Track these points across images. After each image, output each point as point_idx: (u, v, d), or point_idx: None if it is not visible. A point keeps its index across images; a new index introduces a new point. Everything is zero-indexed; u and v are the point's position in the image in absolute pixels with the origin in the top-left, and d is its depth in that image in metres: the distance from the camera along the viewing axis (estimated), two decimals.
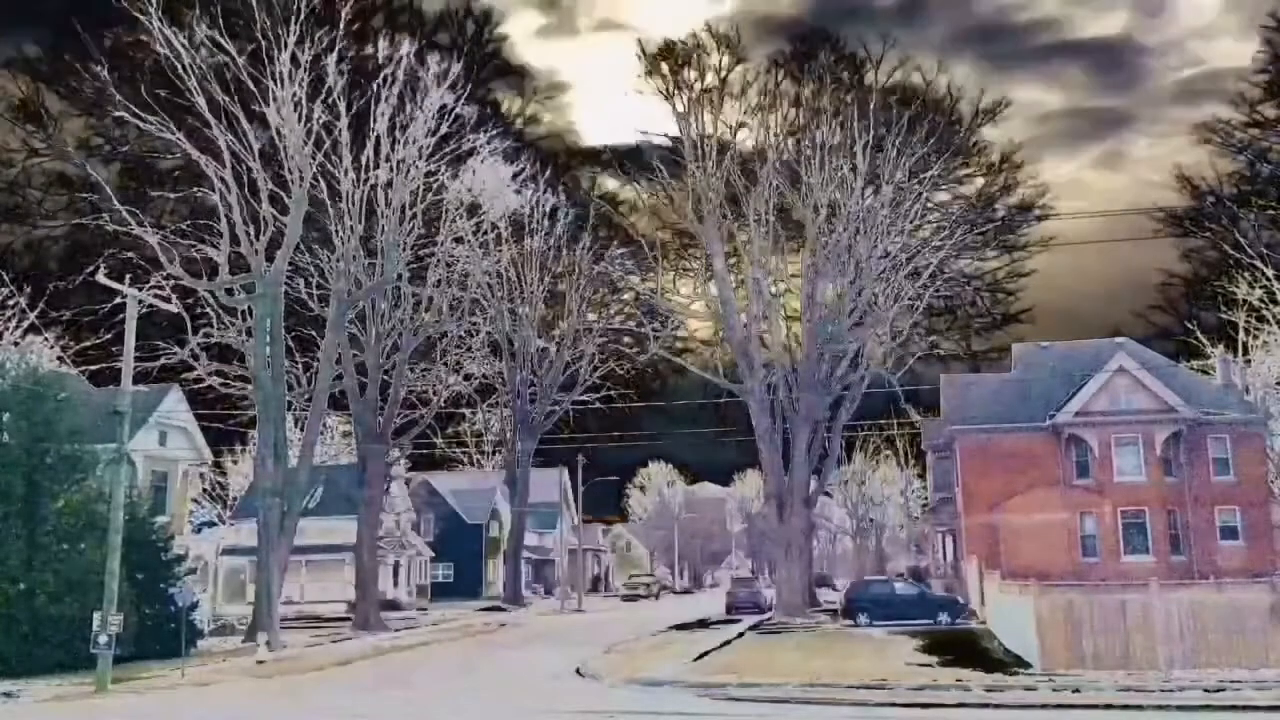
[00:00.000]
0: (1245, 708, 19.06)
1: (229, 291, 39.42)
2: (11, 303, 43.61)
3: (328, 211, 43.39)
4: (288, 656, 32.80)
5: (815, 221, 46.21)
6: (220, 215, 38.33)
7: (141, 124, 37.83)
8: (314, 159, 39.75)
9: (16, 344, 41.20)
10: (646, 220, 52.57)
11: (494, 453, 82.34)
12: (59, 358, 43.14)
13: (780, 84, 50.15)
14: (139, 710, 22.76)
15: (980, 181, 52.20)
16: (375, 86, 42.32)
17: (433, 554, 69.29)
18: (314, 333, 46.65)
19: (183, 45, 37.50)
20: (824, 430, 49.39)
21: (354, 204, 42.06)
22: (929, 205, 47.24)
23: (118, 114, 38.44)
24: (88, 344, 45.87)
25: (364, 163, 41.99)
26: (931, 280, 47.02)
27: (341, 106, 40.24)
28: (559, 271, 61.54)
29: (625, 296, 59.55)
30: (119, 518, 26.71)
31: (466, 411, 66.68)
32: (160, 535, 33.73)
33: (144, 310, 29.71)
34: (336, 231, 42.60)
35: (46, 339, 43.95)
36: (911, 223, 46.57)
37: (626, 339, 60.54)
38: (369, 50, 45.99)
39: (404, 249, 44.42)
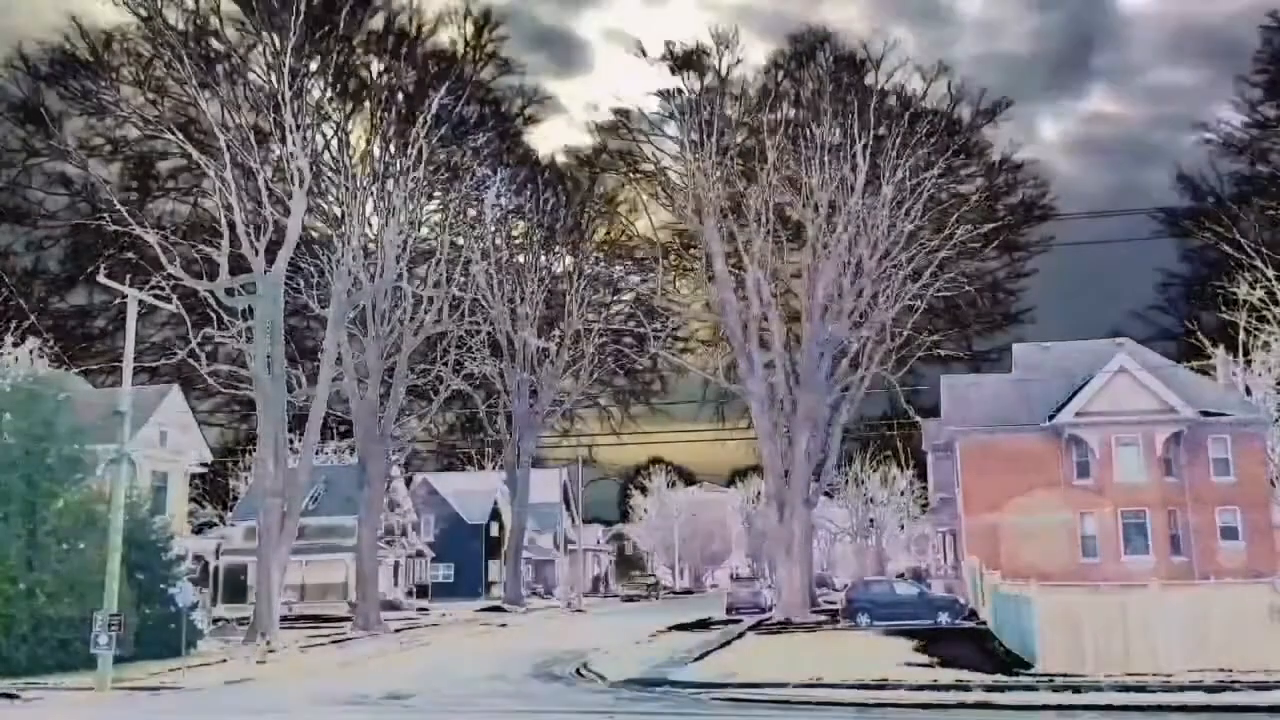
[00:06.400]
0: (1245, 708, 19.04)
1: (230, 292, 39.43)
2: (11, 303, 43.63)
3: (328, 212, 43.45)
4: (288, 657, 32.80)
5: (815, 221, 46.19)
6: (220, 216, 38.37)
7: (142, 124, 37.89)
8: (314, 159, 39.78)
9: (16, 344, 41.21)
10: (647, 220, 52.53)
11: (494, 453, 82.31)
12: (58, 358, 43.16)
13: (780, 84, 50.20)
14: (139, 710, 22.76)
15: (980, 181, 52.16)
16: (376, 88, 42.40)
17: (433, 554, 69.28)
18: (314, 334, 46.73)
19: (184, 46, 37.55)
20: (824, 431, 49.34)
21: (354, 204, 42.07)
22: (929, 205, 47.14)
23: (119, 114, 38.48)
24: (87, 344, 45.95)
25: (365, 162, 42.01)
26: (932, 280, 46.98)
27: (343, 108, 40.32)
28: (559, 271, 61.56)
29: (625, 297, 59.52)
30: (119, 518, 26.70)
31: (466, 411, 66.66)
32: (160, 535, 33.70)
33: (144, 311, 29.73)
34: (337, 232, 42.62)
35: (46, 339, 43.98)
36: (912, 223, 46.53)
37: (627, 339, 60.51)
38: (369, 51, 45.95)
39: (404, 250, 44.46)
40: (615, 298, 61.12)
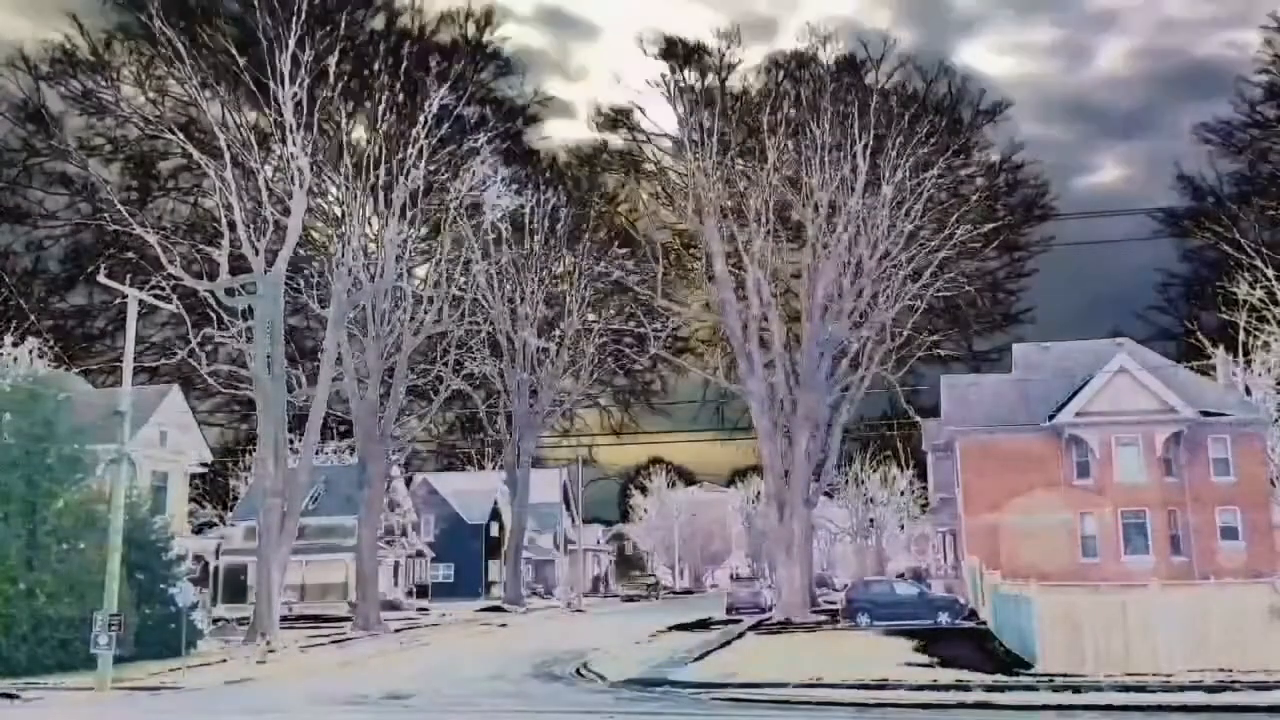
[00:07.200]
0: (1245, 708, 19.04)
1: (230, 292, 39.43)
2: (11, 303, 43.63)
3: (328, 212, 43.45)
4: (288, 657, 32.80)
5: (815, 221, 46.18)
6: (220, 215, 38.36)
7: (143, 124, 37.89)
8: (314, 159, 39.77)
9: (16, 344, 41.23)
10: (647, 220, 52.44)
11: (494, 453, 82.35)
12: (58, 358, 43.19)
13: (781, 84, 50.19)
14: (139, 710, 22.77)
15: (980, 181, 52.15)
16: (376, 88, 42.40)
17: (433, 554, 69.26)
18: (314, 334, 46.71)
19: (184, 46, 37.54)
20: (824, 431, 49.35)
21: (354, 204, 42.07)
22: (929, 205, 47.13)
23: (119, 114, 38.48)
24: (87, 344, 45.91)
25: (365, 162, 41.99)
26: (932, 280, 46.98)
27: (342, 107, 40.30)
28: (559, 272, 61.53)
29: (626, 296, 59.45)
30: (119, 518, 26.70)
31: (467, 411, 66.72)
32: (160, 535, 33.71)
33: (144, 311, 29.74)
34: (337, 232, 42.63)
35: (46, 339, 44.01)
36: (912, 223, 46.55)
37: (627, 339, 60.49)
38: (370, 51, 45.96)
39: (404, 249, 44.45)
40: (615, 298, 61.04)
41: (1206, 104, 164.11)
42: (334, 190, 44.31)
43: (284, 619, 41.04)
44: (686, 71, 48.84)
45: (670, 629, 41.97)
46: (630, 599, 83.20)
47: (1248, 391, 50.95)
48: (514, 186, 53.41)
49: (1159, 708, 19.12)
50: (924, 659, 26.55)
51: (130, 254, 40.44)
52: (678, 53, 49.16)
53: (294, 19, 38.34)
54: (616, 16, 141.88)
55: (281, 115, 38.85)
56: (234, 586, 53.86)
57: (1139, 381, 45.19)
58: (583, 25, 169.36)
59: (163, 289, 33.93)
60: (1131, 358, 46.29)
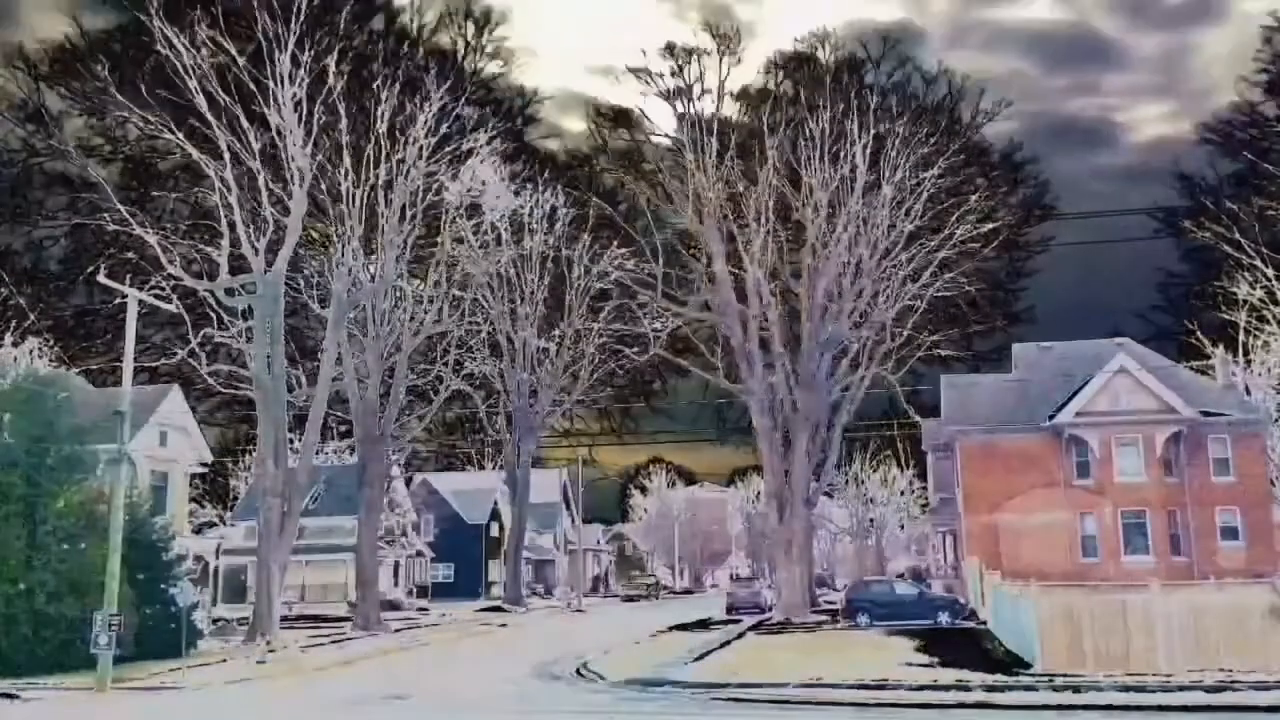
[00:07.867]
0: (1245, 708, 19.04)
1: (230, 292, 39.42)
2: (11, 303, 43.63)
3: (328, 212, 43.43)
4: (288, 657, 32.80)
5: (815, 221, 46.18)
6: (220, 216, 38.34)
7: (143, 124, 37.86)
8: (314, 159, 39.76)
9: (16, 344, 41.22)
10: (647, 220, 52.44)
11: (494, 453, 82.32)
12: (58, 358, 43.17)
13: (780, 84, 50.22)
14: (139, 710, 22.78)
15: (980, 181, 52.09)
16: (375, 88, 42.42)
17: (433, 554, 69.25)
18: (314, 334, 46.70)
19: (184, 46, 37.52)
20: (824, 430, 49.34)
21: (354, 204, 42.08)
22: (929, 205, 47.11)
23: (119, 114, 38.46)
24: (87, 344, 45.89)
25: (365, 162, 41.99)
26: (932, 280, 46.97)
27: (341, 107, 40.29)
28: (559, 272, 61.48)
29: (625, 296, 59.40)
30: (119, 518, 26.70)
31: (466, 411, 66.70)
32: (160, 535, 33.68)
33: (144, 311, 29.74)
34: (337, 232, 42.63)
35: (46, 339, 44.00)
36: (912, 222, 46.55)
37: (627, 339, 60.44)
38: (369, 51, 45.99)
39: (404, 249, 44.44)
40: (615, 298, 61.00)
41: (1079, 150, 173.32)
42: (334, 189, 44.31)
43: (284, 619, 41.03)
44: (686, 72, 48.91)
45: (670, 629, 41.97)
46: (630, 599, 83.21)
47: (1248, 391, 50.94)
48: (513, 187, 53.36)
49: (1159, 708, 19.13)
50: (924, 659, 26.56)
51: (130, 254, 40.43)
52: (678, 54, 49.21)
53: (294, 19, 38.33)
54: (617, 17, 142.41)
55: (281, 115, 38.84)
56: (234, 586, 53.85)
57: (1139, 381, 45.20)
58: (581, 24, 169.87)
59: (163, 289, 33.93)
60: (1131, 358, 46.28)
